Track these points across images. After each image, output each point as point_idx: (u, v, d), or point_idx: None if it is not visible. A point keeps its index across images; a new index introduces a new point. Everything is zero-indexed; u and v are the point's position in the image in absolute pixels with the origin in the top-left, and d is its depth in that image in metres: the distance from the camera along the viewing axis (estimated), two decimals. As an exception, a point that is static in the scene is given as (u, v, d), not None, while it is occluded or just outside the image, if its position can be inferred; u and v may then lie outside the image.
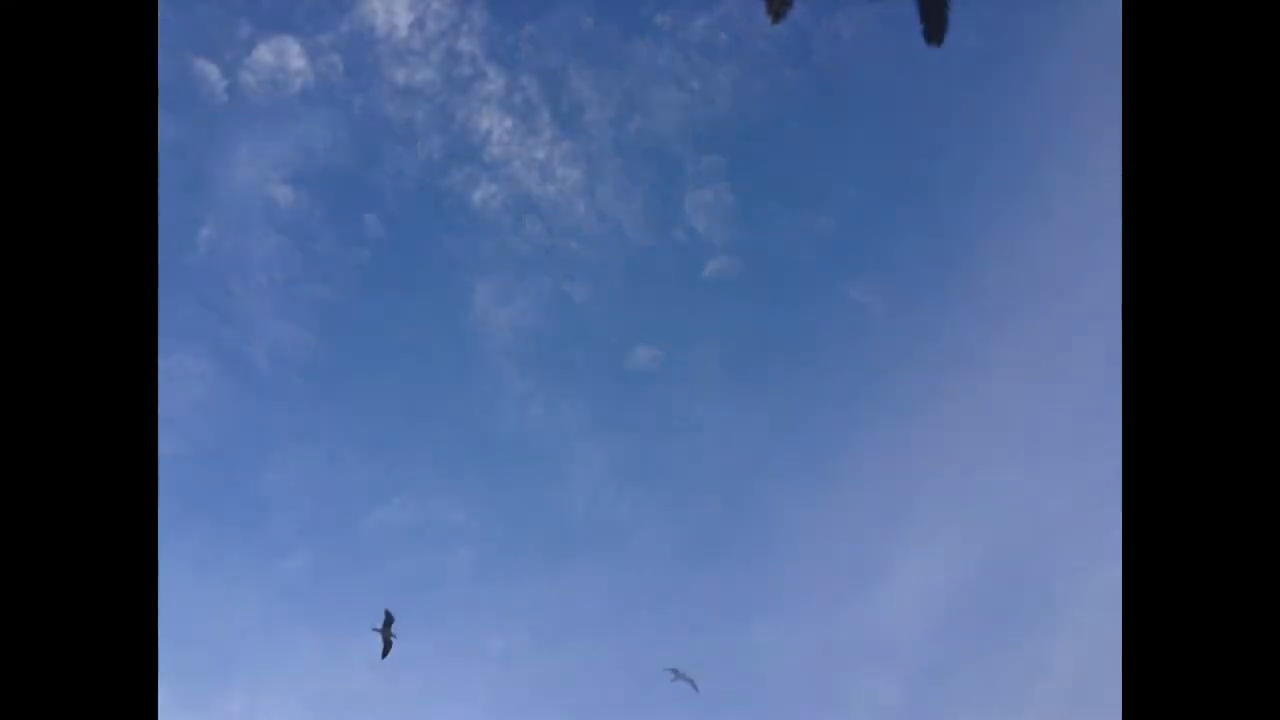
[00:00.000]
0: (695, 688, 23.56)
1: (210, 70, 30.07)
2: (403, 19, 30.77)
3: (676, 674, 23.61)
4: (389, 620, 22.60)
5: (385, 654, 22.81)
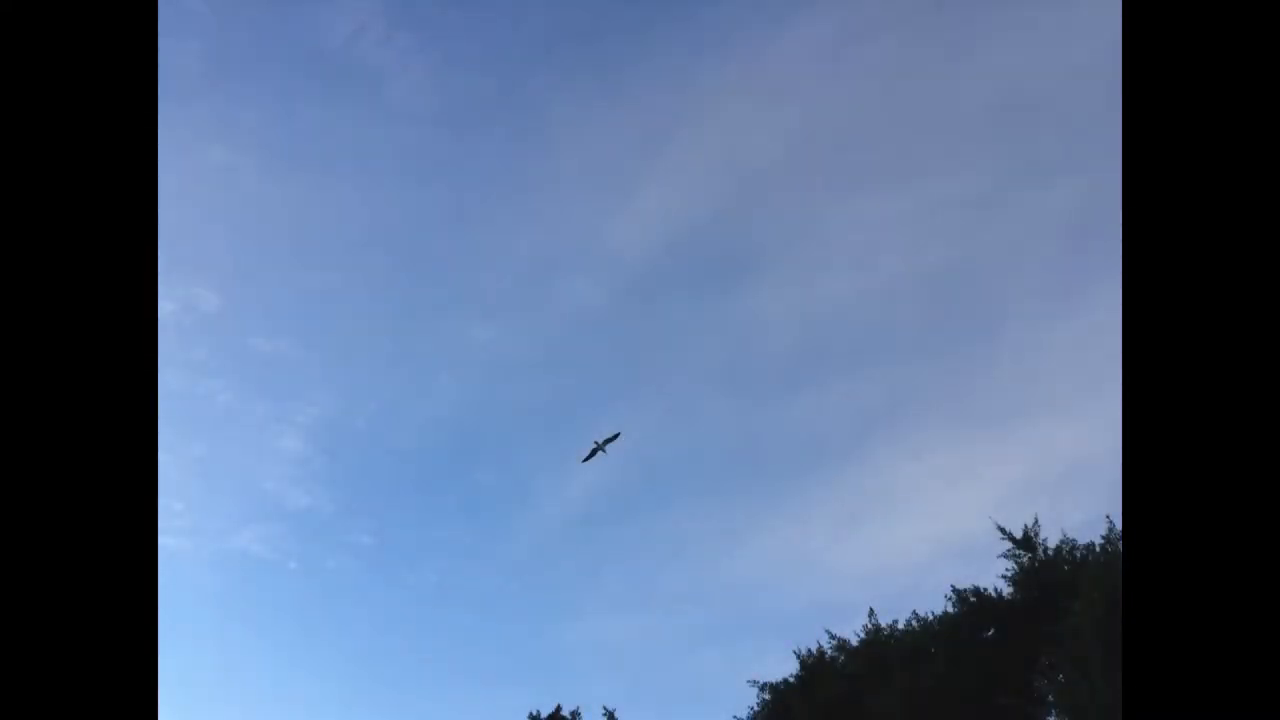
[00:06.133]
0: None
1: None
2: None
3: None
4: (611, 438, 23.43)
5: (587, 459, 23.66)
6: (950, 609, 23.63)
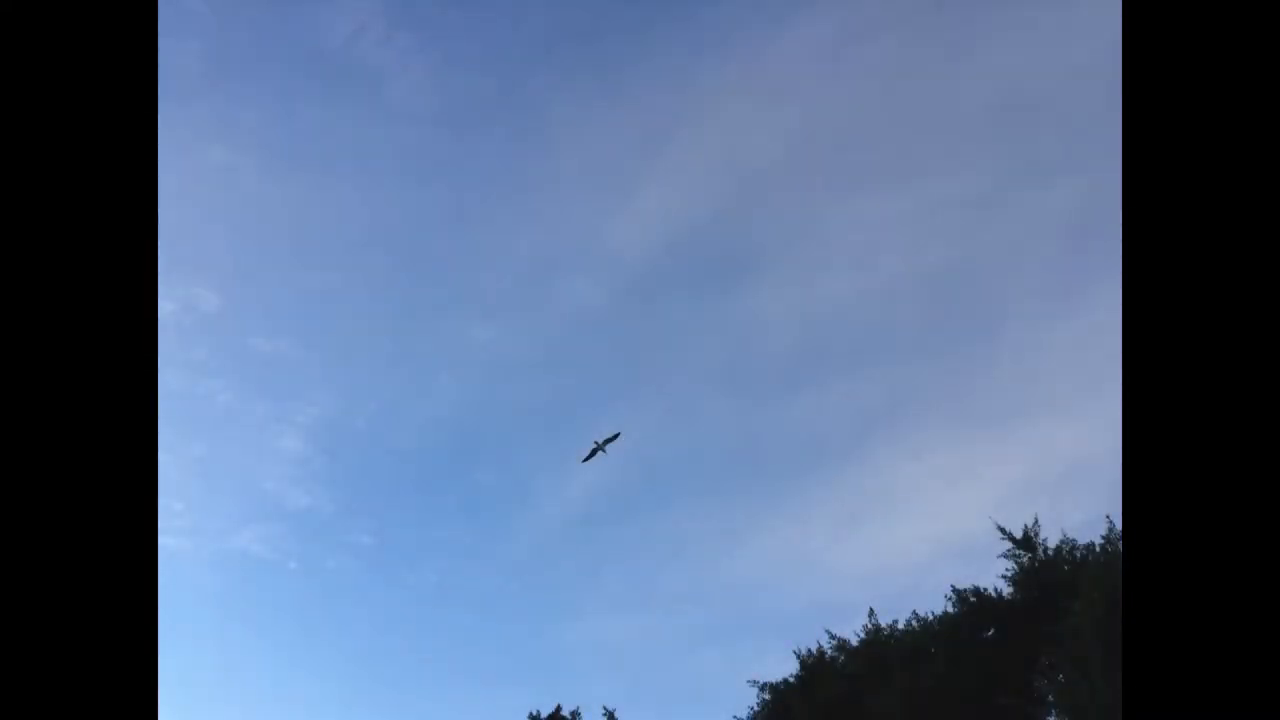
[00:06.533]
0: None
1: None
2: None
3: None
4: (611, 438, 23.74)
5: (587, 459, 23.89)
6: (950, 609, 23.65)
